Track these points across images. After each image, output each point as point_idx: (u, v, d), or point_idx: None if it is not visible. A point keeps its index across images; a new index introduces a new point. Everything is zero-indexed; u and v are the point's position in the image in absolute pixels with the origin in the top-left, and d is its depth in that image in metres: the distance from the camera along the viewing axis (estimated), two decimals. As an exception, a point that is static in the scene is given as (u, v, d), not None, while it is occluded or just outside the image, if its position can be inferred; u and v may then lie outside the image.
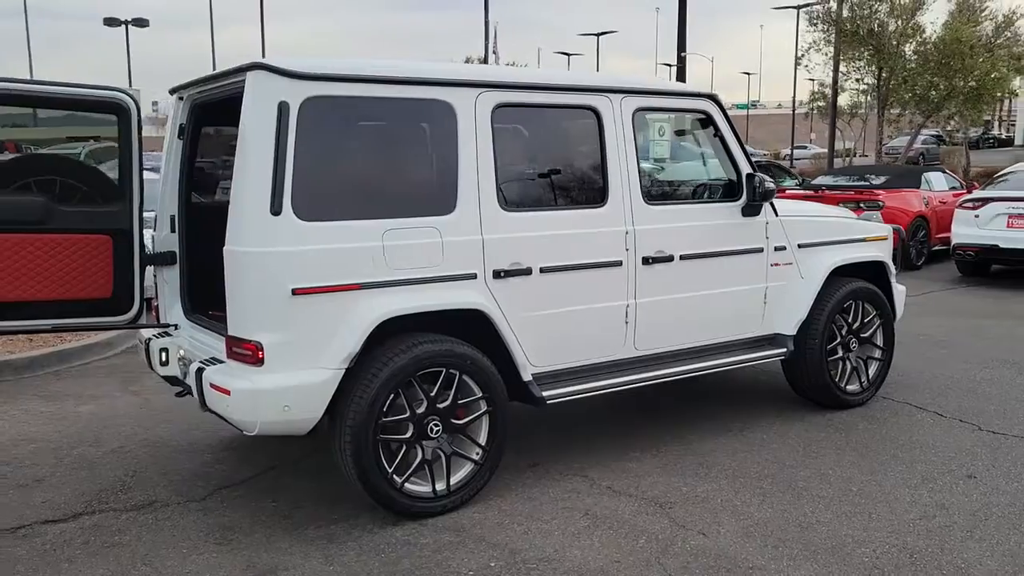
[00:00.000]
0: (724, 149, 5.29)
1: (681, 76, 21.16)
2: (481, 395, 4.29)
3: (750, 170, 5.31)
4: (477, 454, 4.33)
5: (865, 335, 5.93)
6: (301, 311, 3.88)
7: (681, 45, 21.93)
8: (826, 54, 23.53)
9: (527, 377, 4.48)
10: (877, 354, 6.02)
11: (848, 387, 5.85)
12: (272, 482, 4.74)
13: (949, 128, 31.91)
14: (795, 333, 5.54)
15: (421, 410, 4.15)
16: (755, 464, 4.87)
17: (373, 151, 4.21)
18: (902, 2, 21.33)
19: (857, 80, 23.47)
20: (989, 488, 4.48)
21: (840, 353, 5.79)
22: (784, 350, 5.50)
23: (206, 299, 5.02)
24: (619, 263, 4.77)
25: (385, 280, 4.06)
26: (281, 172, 3.82)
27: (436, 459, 4.23)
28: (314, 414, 3.93)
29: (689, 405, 5.98)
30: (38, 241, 4.54)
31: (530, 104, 4.54)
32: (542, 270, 4.50)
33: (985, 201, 11.11)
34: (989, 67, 20.63)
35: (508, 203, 4.42)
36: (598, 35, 49.48)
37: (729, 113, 5.38)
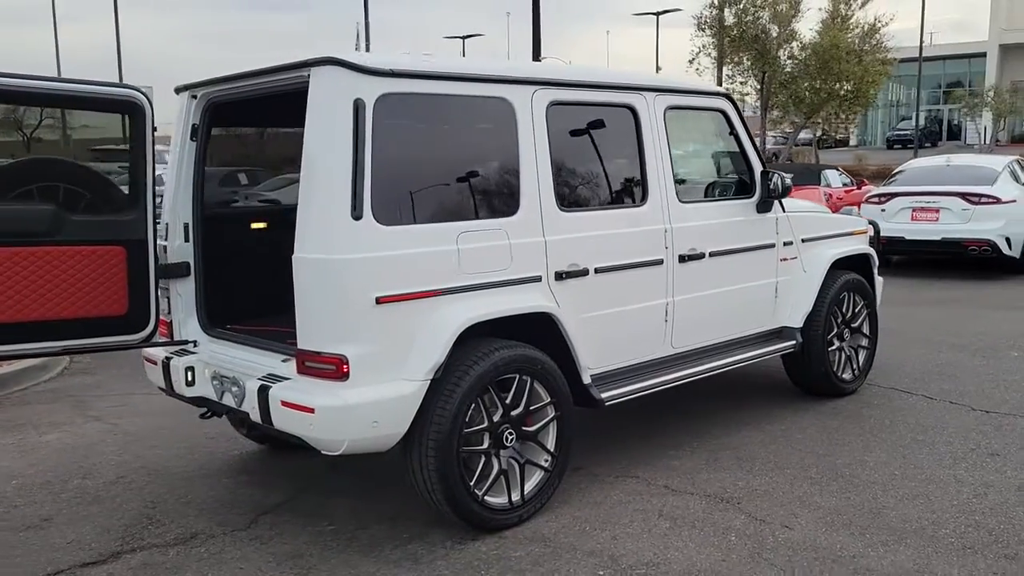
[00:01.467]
0: (739, 146, 5.38)
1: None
2: (549, 400, 4.18)
3: (763, 167, 5.43)
4: (546, 461, 4.21)
5: (855, 325, 6.16)
6: (384, 320, 3.66)
7: (536, 50, 22.15)
8: (714, 58, 24.51)
9: (587, 380, 4.40)
10: (864, 343, 6.27)
11: (844, 376, 6.07)
12: (313, 504, 4.45)
13: (825, 129, 33.79)
14: (802, 325, 5.69)
15: (496, 419, 4.01)
16: (791, 455, 4.96)
17: (442, 150, 4.03)
18: (781, 9, 22.48)
19: (742, 83, 24.60)
20: (1017, 464, 4.74)
21: (836, 344, 6.00)
22: (793, 342, 5.64)
23: (224, 312, 4.68)
24: (660, 262, 4.76)
25: (462, 285, 3.89)
26: (360, 174, 3.60)
27: (510, 469, 4.10)
28: (400, 429, 3.72)
29: (698, 400, 6.03)
30: (47, 255, 4.11)
31: (577, 102, 4.47)
32: (596, 271, 4.43)
33: (891, 196, 11.82)
34: (863, 72, 22.04)
35: (564, 203, 4.33)
36: (463, 38, 49.58)
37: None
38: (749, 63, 23.36)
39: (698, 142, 5.10)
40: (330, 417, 3.59)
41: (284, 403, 3.70)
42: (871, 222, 6.71)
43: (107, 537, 4.13)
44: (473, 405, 3.88)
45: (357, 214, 3.59)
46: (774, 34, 22.61)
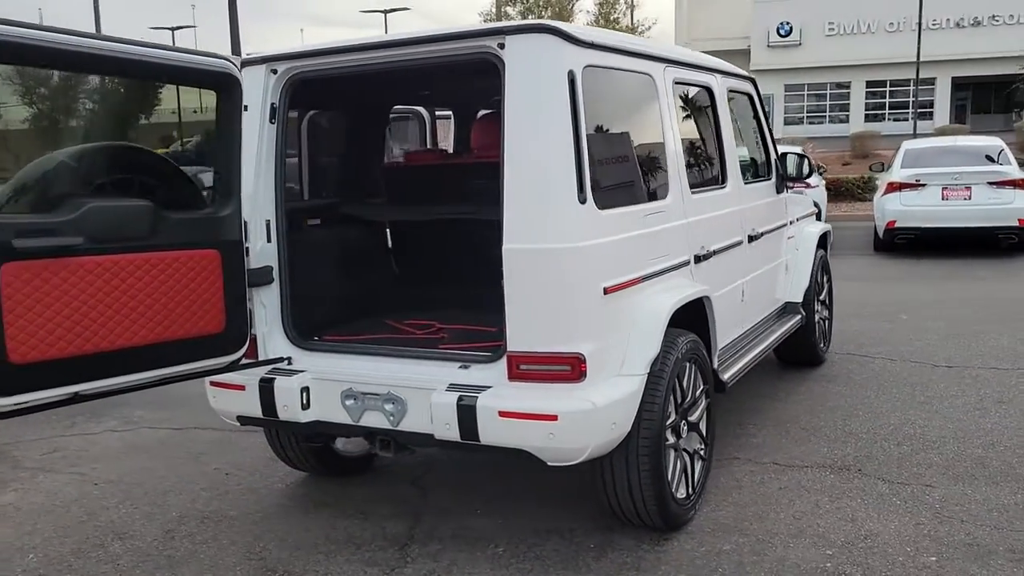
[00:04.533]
0: (759, 129, 5.54)
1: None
2: (703, 387, 4.07)
3: (776, 150, 5.64)
4: (702, 449, 4.09)
5: (821, 297, 6.59)
6: (609, 312, 3.37)
7: (235, 45, 21.25)
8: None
9: (715, 363, 4.33)
10: (826, 314, 6.73)
11: (820, 345, 6.47)
12: (449, 527, 3.97)
13: None
14: (802, 300, 5.99)
15: (677, 410, 3.83)
16: (848, 422, 5.18)
17: (618, 128, 3.77)
18: (558, 10, 23.25)
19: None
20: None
21: (816, 317, 6.38)
22: (800, 316, 5.91)
23: (309, 322, 4.05)
24: (741, 242, 4.80)
25: (653, 271, 3.68)
26: (580, 154, 3.27)
27: (685, 461, 3.93)
28: (627, 428, 3.43)
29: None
30: (146, 263, 3.34)
31: (685, 82, 4.37)
32: (714, 252, 4.37)
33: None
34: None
35: (691, 185, 4.22)
36: (173, 29, 46.14)
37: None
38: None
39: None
40: (576, 423, 3.23)
41: (505, 413, 3.27)
42: (815, 203, 7.20)
43: (250, 600, 3.42)
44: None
45: (583, 197, 3.26)
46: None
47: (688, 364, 3.87)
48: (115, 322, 3.21)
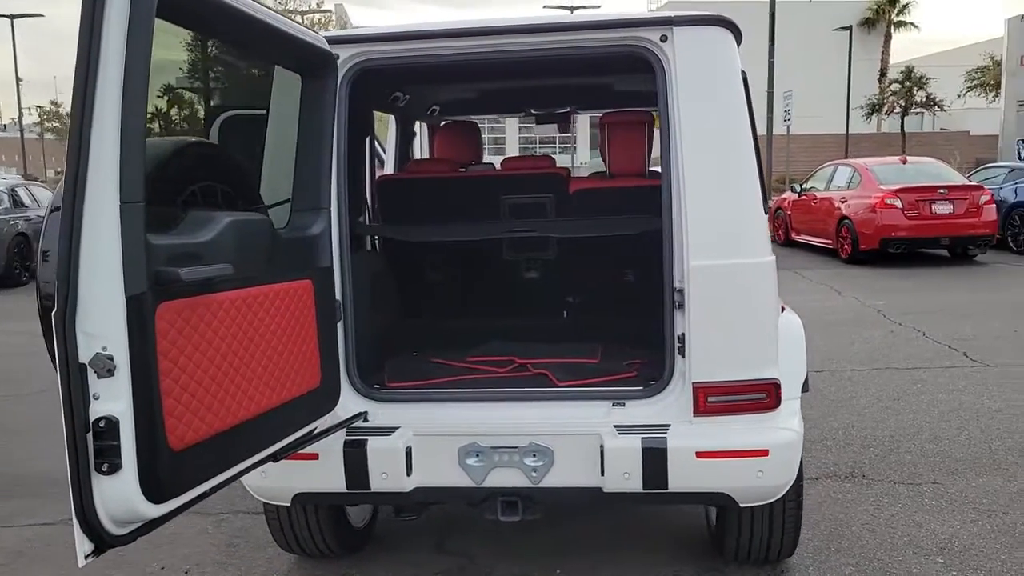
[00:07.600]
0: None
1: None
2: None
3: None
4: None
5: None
6: (779, 332, 3.10)
7: None
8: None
9: None
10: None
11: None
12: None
13: None
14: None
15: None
16: (879, 430, 5.32)
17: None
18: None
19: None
20: (974, 394, 5.89)
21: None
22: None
23: (371, 368, 3.31)
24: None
25: (772, 287, 3.47)
26: (760, 160, 3.01)
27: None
28: (798, 457, 3.17)
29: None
30: (266, 299, 2.56)
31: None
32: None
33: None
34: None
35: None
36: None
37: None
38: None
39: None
40: (785, 456, 2.92)
41: (704, 454, 2.87)
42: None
43: None
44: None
45: (766, 208, 2.99)
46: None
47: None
48: (248, 381, 2.37)
